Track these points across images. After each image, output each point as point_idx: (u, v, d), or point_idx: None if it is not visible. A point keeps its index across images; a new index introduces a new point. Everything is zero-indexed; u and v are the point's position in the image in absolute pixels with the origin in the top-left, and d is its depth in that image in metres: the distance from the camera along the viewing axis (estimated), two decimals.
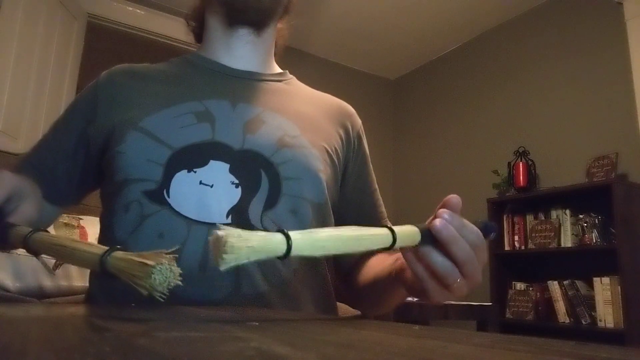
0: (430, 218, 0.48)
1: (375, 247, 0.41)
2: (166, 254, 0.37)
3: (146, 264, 0.36)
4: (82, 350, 0.20)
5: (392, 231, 0.41)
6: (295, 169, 0.66)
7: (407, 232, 0.43)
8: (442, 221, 0.45)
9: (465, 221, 0.47)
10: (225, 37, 0.77)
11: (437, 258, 0.46)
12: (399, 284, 0.57)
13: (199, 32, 0.84)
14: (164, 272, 0.36)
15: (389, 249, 0.42)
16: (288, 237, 0.34)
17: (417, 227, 0.45)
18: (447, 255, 0.46)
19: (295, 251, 0.34)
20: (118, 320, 0.34)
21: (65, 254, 0.45)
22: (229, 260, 0.32)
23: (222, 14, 0.76)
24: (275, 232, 0.34)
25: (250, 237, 0.33)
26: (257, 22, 0.76)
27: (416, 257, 0.47)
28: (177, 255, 0.37)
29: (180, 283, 0.37)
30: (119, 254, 0.40)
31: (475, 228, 0.47)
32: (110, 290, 0.63)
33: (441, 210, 0.46)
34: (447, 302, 0.51)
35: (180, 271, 0.37)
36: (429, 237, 0.45)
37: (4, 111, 2.18)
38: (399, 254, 0.57)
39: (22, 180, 0.61)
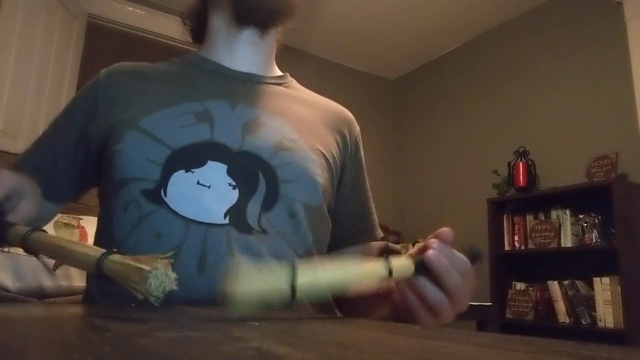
0: (420, 244, 0.50)
1: (373, 279, 0.43)
2: (162, 257, 0.38)
3: (142, 269, 0.36)
4: (82, 350, 0.20)
5: (389, 264, 0.44)
6: (292, 172, 0.66)
7: (402, 265, 0.46)
8: (434, 252, 0.47)
9: (454, 251, 0.49)
10: (228, 37, 0.77)
11: (429, 289, 0.48)
12: (385, 304, 0.58)
13: (197, 31, 0.84)
14: (159, 277, 0.36)
15: (387, 279, 0.44)
16: (293, 289, 0.36)
17: (411, 258, 0.47)
18: (438, 285, 0.48)
19: (299, 296, 0.37)
20: (118, 320, 0.34)
21: (62, 255, 0.45)
22: (236, 312, 0.34)
23: (229, 13, 0.76)
24: (282, 272, 0.37)
25: (257, 284, 0.35)
26: (265, 23, 0.76)
27: (409, 288, 0.49)
28: (172, 261, 0.37)
29: (175, 288, 0.37)
30: (115, 257, 0.40)
31: (464, 257, 0.49)
32: (108, 290, 0.63)
33: (431, 240, 0.48)
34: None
35: (176, 276, 0.37)
36: (422, 267, 0.47)
37: (4, 111, 2.18)
38: None
39: (22, 179, 0.61)
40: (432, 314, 0.49)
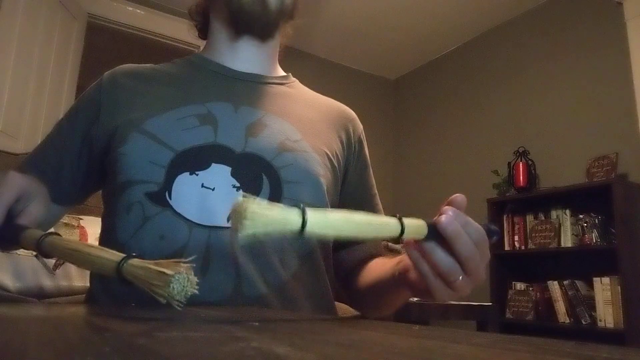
0: (437, 217, 0.48)
1: (384, 235, 0.42)
2: (184, 262, 0.38)
3: (164, 274, 0.36)
4: (82, 350, 0.20)
5: (401, 221, 0.42)
6: (296, 173, 0.66)
7: (415, 224, 0.44)
8: (447, 217, 0.46)
9: (469, 219, 0.48)
10: (229, 41, 0.77)
11: (440, 255, 0.47)
12: (402, 285, 0.58)
13: (202, 28, 0.84)
14: (181, 281, 0.36)
15: (397, 238, 0.42)
16: (304, 213, 0.35)
17: (424, 221, 0.45)
18: (451, 252, 0.46)
19: (309, 228, 0.35)
20: (118, 320, 0.34)
21: (79, 259, 0.45)
22: (249, 227, 0.32)
23: (227, 21, 0.76)
24: (293, 206, 0.35)
25: (270, 208, 0.34)
26: (263, 33, 0.76)
27: (421, 255, 0.48)
28: (194, 265, 0.37)
29: (196, 292, 0.37)
30: (136, 261, 0.40)
31: (479, 226, 0.48)
32: (111, 290, 0.63)
33: (446, 207, 0.47)
34: (447, 302, 0.52)
35: (197, 280, 0.37)
36: (434, 232, 0.46)
37: (4, 111, 2.18)
38: (402, 257, 0.57)
39: (30, 181, 0.61)
40: (446, 283, 0.48)
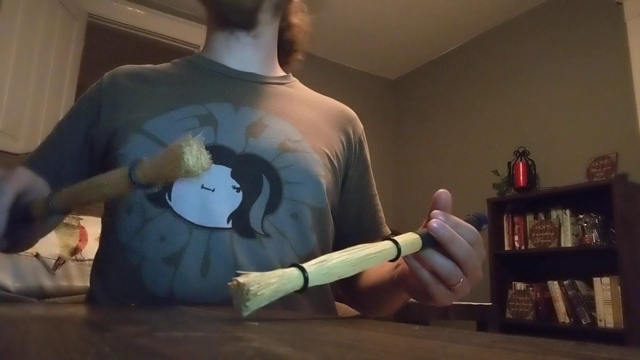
0: (425, 221, 0.48)
1: (382, 261, 0.42)
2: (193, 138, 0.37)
3: (173, 150, 0.36)
4: (82, 350, 0.20)
5: (396, 243, 0.43)
6: (296, 174, 0.66)
7: (410, 241, 0.45)
8: (438, 221, 0.46)
9: (459, 220, 0.48)
10: (224, 40, 0.77)
11: (439, 260, 0.47)
12: (401, 289, 0.58)
13: None
14: (194, 152, 0.36)
15: (395, 259, 0.43)
16: (304, 271, 0.35)
17: (417, 233, 0.46)
18: (448, 256, 0.47)
19: (311, 283, 0.36)
20: (118, 320, 0.34)
21: (92, 192, 0.45)
22: (253, 307, 0.33)
23: (213, 17, 0.77)
24: (290, 267, 0.36)
25: (269, 280, 0.34)
26: (243, 23, 0.75)
27: (419, 263, 0.48)
28: (203, 139, 0.36)
29: (211, 167, 0.36)
30: (144, 162, 0.40)
31: (470, 226, 0.49)
32: (111, 290, 0.63)
33: (434, 211, 0.47)
34: (448, 305, 0.52)
35: (209, 154, 0.36)
36: (429, 240, 0.46)
37: (4, 111, 2.18)
38: (399, 260, 0.58)
39: (36, 178, 0.61)
40: (447, 286, 0.48)
